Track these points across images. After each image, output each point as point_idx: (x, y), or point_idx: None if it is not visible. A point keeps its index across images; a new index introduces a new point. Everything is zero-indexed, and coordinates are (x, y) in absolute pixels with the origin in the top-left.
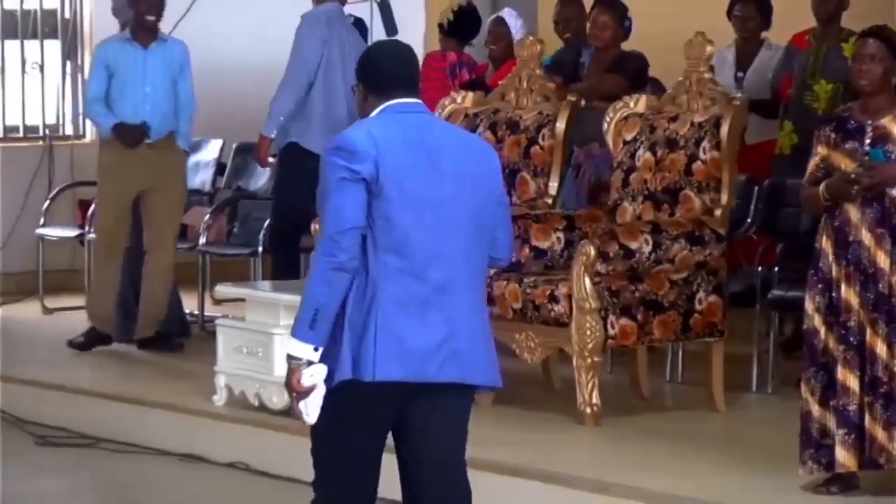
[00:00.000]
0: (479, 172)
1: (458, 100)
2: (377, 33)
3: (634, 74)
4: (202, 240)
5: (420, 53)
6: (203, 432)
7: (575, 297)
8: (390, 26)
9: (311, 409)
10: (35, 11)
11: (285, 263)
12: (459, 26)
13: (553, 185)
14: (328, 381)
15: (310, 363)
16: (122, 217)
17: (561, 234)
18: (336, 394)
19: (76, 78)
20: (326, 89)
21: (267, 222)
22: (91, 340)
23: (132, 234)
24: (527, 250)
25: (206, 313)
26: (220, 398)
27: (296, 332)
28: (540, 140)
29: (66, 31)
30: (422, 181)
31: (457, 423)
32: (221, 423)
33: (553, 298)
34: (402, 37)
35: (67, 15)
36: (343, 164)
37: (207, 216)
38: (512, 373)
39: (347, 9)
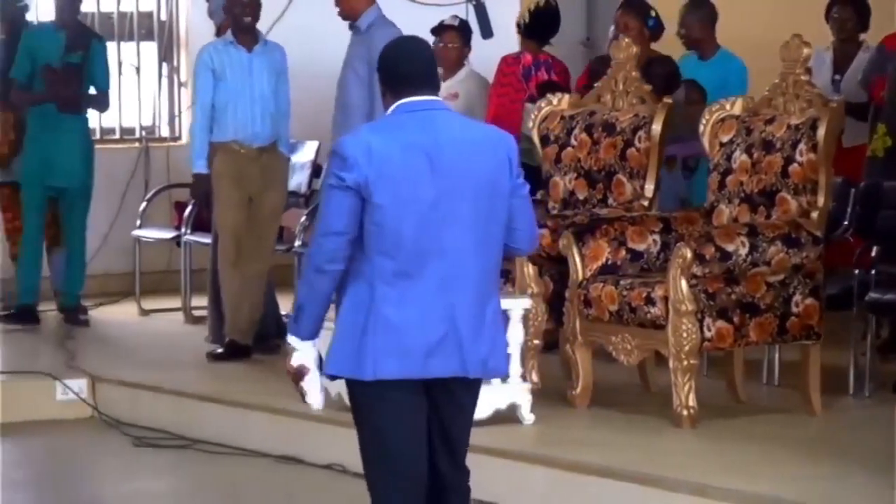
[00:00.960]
0: (484, 166)
1: (555, 101)
2: (474, 35)
3: (663, 79)
4: (298, 241)
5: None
6: (300, 434)
7: (671, 300)
8: (485, 28)
9: (310, 391)
10: (131, 14)
11: None
12: (537, 26)
13: (649, 188)
14: (326, 370)
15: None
16: (244, 219)
17: (657, 237)
18: (361, 390)
19: (172, 80)
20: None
21: None
22: (232, 353)
23: None
24: (623, 252)
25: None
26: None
27: (289, 326)
28: (636, 142)
29: (162, 33)
30: (415, 184)
31: (464, 411)
32: (318, 424)
33: (649, 301)
34: (497, 40)
35: (164, 17)
36: (335, 170)
37: (303, 218)
38: (608, 375)
39: (448, 9)
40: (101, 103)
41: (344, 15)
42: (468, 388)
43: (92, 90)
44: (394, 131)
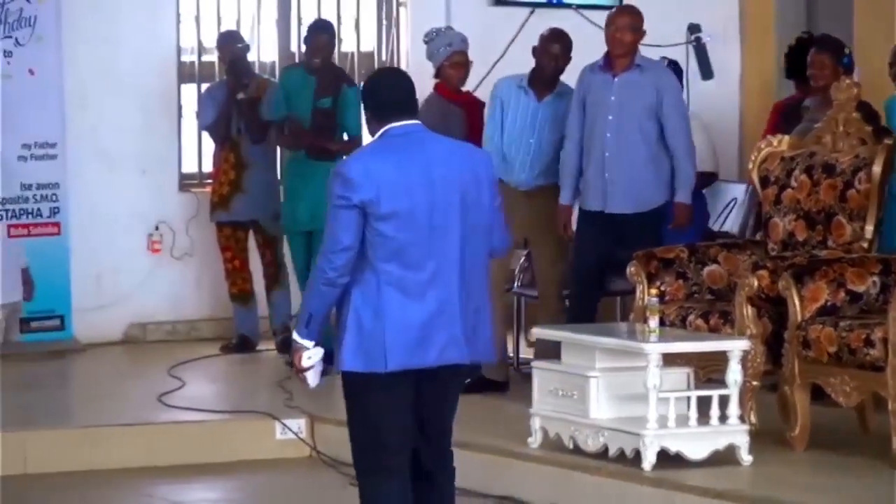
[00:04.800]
0: (468, 181)
1: (774, 143)
2: (692, 76)
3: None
4: (517, 282)
5: (737, 98)
6: (519, 474)
7: (891, 341)
8: (706, 69)
9: (311, 379)
10: (352, 53)
11: (588, 306)
12: (794, 65)
13: (869, 229)
14: (338, 366)
15: (307, 348)
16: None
17: (877, 278)
18: (360, 385)
19: None
20: None
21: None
22: (480, 386)
23: None
24: (842, 294)
25: (521, 355)
26: (534, 440)
27: (296, 329)
28: (856, 183)
29: None
30: (412, 197)
31: (452, 396)
32: (537, 465)
33: (868, 342)
34: (718, 81)
35: (384, 57)
36: (339, 191)
37: (522, 259)
38: (825, 417)
39: (662, 51)
40: (353, 150)
41: None
42: (455, 377)
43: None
44: (388, 153)
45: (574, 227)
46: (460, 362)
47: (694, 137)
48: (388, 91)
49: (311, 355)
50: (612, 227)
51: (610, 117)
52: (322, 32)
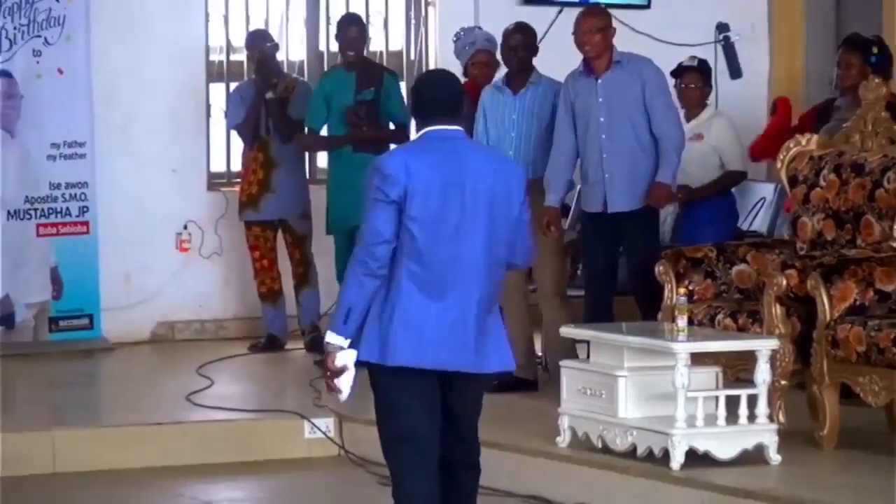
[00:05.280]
0: (499, 193)
1: (803, 143)
2: (721, 75)
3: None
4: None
5: (765, 97)
6: (547, 474)
7: None
8: (734, 68)
9: (343, 387)
10: (380, 52)
11: (602, 308)
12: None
13: None
14: (359, 357)
15: (341, 348)
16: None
17: None
18: (383, 376)
19: None
20: None
21: None
22: (510, 386)
23: None
24: (871, 293)
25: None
26: (563, 440)
27: (332, 326)
28: (885, 183)
29: (411, 71)
30: (442, 202)
31: (472, 399)
32: (565, 464)
33: None
34: (746, 80)
35: (413, 56)
36: (378, 185)
37: None
38: (854, 416)
39: (697, 49)
40: (401, 138)
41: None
42: (474, 382)
43: (391, 126)
44: (425, 154)
45: (565, 228)
46: (468, 370)
47: (723, 136)
48: (430, 90)
49: (345, 356)
50: (614, 226)
51: (602, 119)
52: (352, 25)
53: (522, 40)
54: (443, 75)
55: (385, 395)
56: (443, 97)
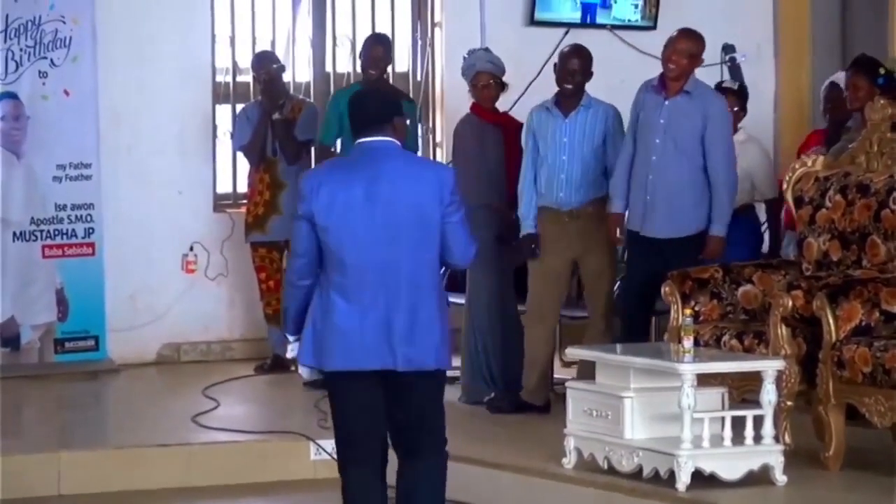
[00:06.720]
0: (416, 196)
1: (809, 163)
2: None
3: None
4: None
5: (771, 118)
6: (553, 495)
7: None
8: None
9: (302, 372)
10: (387, 74)
11: (637, 326)
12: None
13: None
14: (301, 361)
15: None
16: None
17: None
18: (329, 379)
19: (428, 140)
20: None
21: (617, 285)
22: (518, 409)
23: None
24: (877, 314)
25: (555, 375)
26: (569, 461)
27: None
28: (890, 203)
29: (417, 93)
30: (354, 211)
31: (421, 397)
32: (571, 485)
33: None
34: (752, 101)
35: (419, 77)
36: (298, 202)
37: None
38: (860, 437)
39: (705, 70)
40: None
41: None
42: (419, 380)
43: None
44: (340, 168)
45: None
46: (395, 369)
47: (756, 162)
48: (354, 108)
49: (293, 348)
50: (653, 249)
51: (657, 140)
52: (378, 44)
53: (581, 65)
54: (367, 92)
55: (330, 397)
56: (368, 111)
